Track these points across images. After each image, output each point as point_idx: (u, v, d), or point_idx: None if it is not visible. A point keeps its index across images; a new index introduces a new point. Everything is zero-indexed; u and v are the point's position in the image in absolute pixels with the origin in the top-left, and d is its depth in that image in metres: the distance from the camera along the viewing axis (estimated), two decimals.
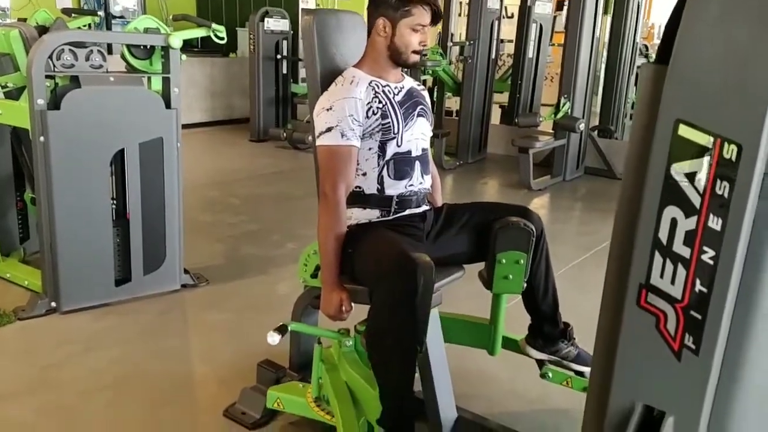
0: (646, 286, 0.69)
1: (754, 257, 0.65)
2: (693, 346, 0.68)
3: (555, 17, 7.07)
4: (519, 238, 1.84)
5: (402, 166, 1.88)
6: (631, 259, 0.69)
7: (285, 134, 6.59)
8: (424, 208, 1.96)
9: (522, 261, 1.84)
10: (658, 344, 0.70)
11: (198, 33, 3.04)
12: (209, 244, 3.81)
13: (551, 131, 5.67)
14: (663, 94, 0.65)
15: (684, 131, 0.64)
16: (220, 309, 2.99)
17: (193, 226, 3.78)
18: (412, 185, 1.90)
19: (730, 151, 0.62)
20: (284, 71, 7.17)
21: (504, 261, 1.84)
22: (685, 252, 0.66)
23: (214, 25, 3.05)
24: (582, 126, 5.29)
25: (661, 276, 0.68)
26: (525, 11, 6.57)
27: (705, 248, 0.65)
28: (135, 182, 2.86)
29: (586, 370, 1.95)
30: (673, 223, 0.66)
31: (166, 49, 2.85)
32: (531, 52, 6.62)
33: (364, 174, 1.86)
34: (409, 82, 1.95)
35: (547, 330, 1.98)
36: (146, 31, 2.87)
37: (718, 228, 0.64)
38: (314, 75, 1.93)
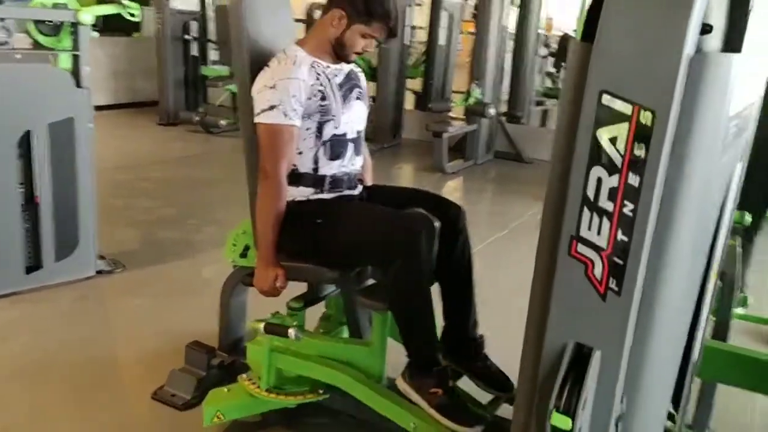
0: (576, 237, 0.79)
1: (666, 210, 0.75)
2: (616, 289, 0.78)
3: (463, 6, 7.28)
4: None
5: (337, 147, 1.91)
6: (564, 214, 0.79)
7: (198, 118, 6.43)
8: (359, 189, 2.01)
9: None
10: (586, 288, 0.79)
11: (109, 9, 2.94)
12: (123, 229, 3.70)
13: (462, 117, 5.87)
14: (589, 68, 0.75)
15: (607, 100, 0.74)
16: (140, 294, 2.92)
17: (105, 210, 3.63)
18: (344, 166, 1.94)
19: (645, 118, 0.72)
20: (194, 53, 6.96)
21: None
22: (609, 206, 0.76)
23: (125, 2, 2.95)
24: (492, 111, 5.51)
25: (589, 228, 0.78)
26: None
27: (626, 202, 0.75)
28: (43, 165, 2.73)
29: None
30: (599, 181, 0.76)
31: (75, 25, 2.74)
32: (442, 40, 6.80)
33: (300, 153, 1.88)
34: (347, 66, 1.97)
35: (459, 335, 1.98)
36: (55, 6, 2.74)
37: (636, 185, 0.74)
38: (242, 55, 1.92)
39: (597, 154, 0.75)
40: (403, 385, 1.78)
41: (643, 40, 0.72)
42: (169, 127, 6.79)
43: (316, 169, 1.90)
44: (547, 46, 8.64)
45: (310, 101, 1.83)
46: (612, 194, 0.76)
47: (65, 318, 2.65)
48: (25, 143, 2.69)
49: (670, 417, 1.06)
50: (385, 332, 1.91)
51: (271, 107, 1.79)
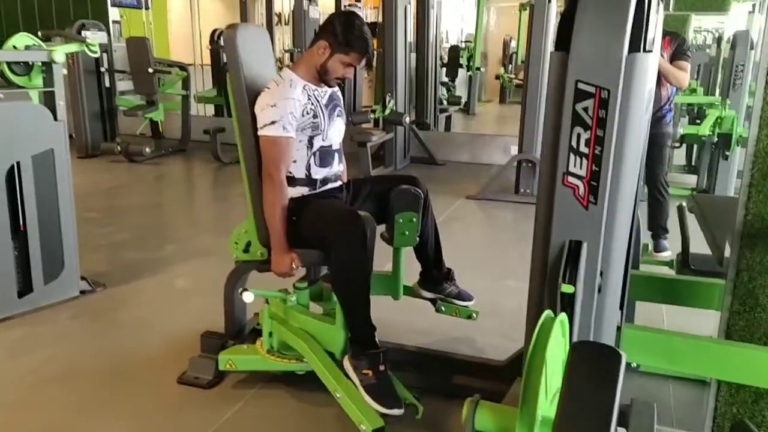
0: (566, 172, 1.27)
1: (618, 149, 1.25)
2: (593, 201, 1.27)
3: (373, 24, 7.84)
4: (412, 201, 2.36)
5: (326, 156, 2.34)
6: (557, 158, 1.27)
7: (119, 148, 6.52)
8: (340, 182, 2.44)
9: (415, 219, 2.37)
10: (575, 203, 1.28)
11: (74, 48, 3.18)
12: (87, 253, 3.85)
13: (376, 128, 6.38)
14: (567, 66, 1.23)
15: (581, 85, 1.22)
16: (129, 307, 3.17)
17: None
18: (331, 170, 2.37)
19: (604, 94, 1.21)
20: (107, 85, 7.03)
21: (401, 220, 2.36)
22: (586, 150, 1.25)
23: (87, 40, 3.20)
24: (408, 119, 6.07)
25: (574, 165, 1.26)
26: None
27: (596, 146, 1.24)
28: (30, 194, 2.93)
29: (469, 303, 2.54)
30: (579, 135, 1.24)
31: (47, 64, 2.97)
32: None
33: (294, 161, 2.29)
34: (330, 88, 2.38)
35: (435, 274, 2.51)
36: (27, 48, 2.95)
37: (601, 135, 1.23)
38: (239, 79, 2.28)
39: (576, 119, 1.24)
40: (345, 362, 2.16)
41: (599, 48, 1.21)
42: (90, 159, 6.82)
43: (308, 175, 2.32)
44: (442, 59, 9.39)
45: (303, 118, 2.24)
46: (587, 143, 1.25)
47: (67, 334, 2.86)
48: (10, 175, 2.89)
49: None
50: None
51: (272, 122, 2.18)
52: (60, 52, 2.96)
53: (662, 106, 3.79)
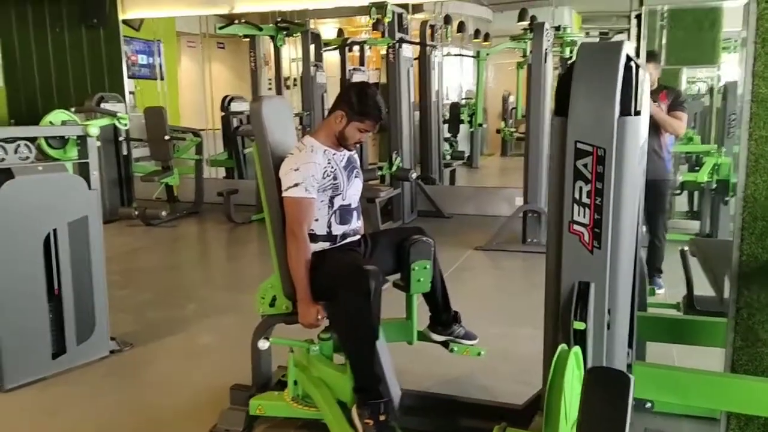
0: (572, 221, 1.44)
1: (616, 200, 1.42)
2: (597, 245, 1.43)
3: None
4: (425, 250, 2.54)
5: (345, 214, 2.52)
6: (562, 208, 1.44)
7: (137, 212, 6.73)
8: (359, 237, 2.61)
9: (428, 267, 2.53)
10: (581, 248, 1.44)
11: (106, 122, 3.41)
12: (113, 314, 3.97)
13: (383, 184, 6.60)
14: (567, 130, 1.41)
15: (580, 145, 1.40)
16: (157, 365, 3.29)
17: None
18: (350, 226, 2.55)
19: (601, 152, 1.39)
20: (124, 152, 7.31)
21: (416, 268, 2.52)
22: (588, 201, 1.42)
23: (119, 114, 3.44)
24: (414, 175, 6.29)
25: (578, 215, 1.43)
26: (345, 82, 7.54)
27: (596, 198, 1.41)
28: (66, 259, 3.10)
29: (475, 342, 2.65)
30: (581, 188, 1.42)
31: (82, 137, 3.19)
32: None
33: (316, 220, 2.47)
34: (348, 152, 2.58)
35: (444, 318, 2.64)
36: (63, 123, 3.19)
37: (600, 188, 1.40)
38: (265, 146, 2.49)
39: (578, 174, 1.42)
40: (353, 412, 2.29)
41: (594, 112, 1.40)
42: (108, 224, 7.01)
43: (329, 232, 2.49)
44: (443, 115, 9.70)
45: (324, 180, 2.43)
46: (588, 194, 1.42)
47: (101, 392, 2.98)
48: (46, 241, 3.07)
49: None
50: None
51: (296, 185, 2.37)
52: (95, 126, 3.19)
53: (661, 155, 4.01)
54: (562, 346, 1.28)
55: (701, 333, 2.37)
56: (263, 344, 2.37)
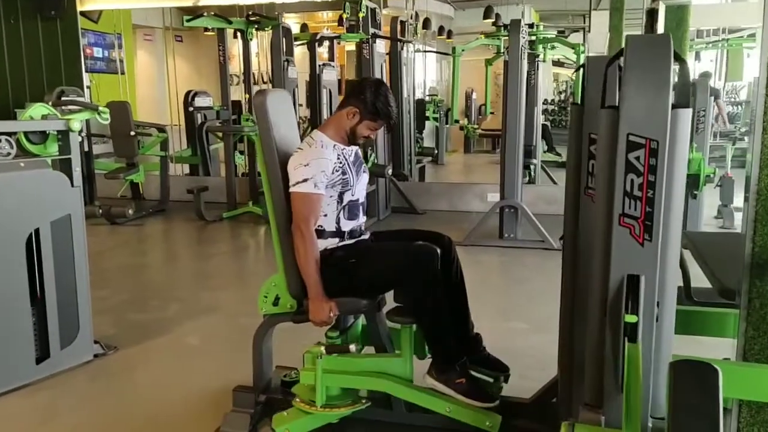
0: (622, 214, 1.43)
1: (668, 192, 1.42)
2: (648, 238, 1.43)
3: (340, 82, 8.09)
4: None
5: (354, 209, 2.47)
6: (613, 201, 1.43)
7: (101, 211, 6.49)
8: (367, 235, 2.56)
9: None
10: (632, 241, 1.43)
11: (86, 115, 3.25)
12: (92, 316, 3.84)
13: None
14: (619, 122, 1.41)
15: (632, 138, 1.39)
16: (145, 368, 3.17)
17: None
18: (357, 221, 2.50)
19: (654, 144, 1.38)
20: (86, 149, 7.03)
21: None
22: (639, 194, 1.41)
23: (100, 108, 3.29)
24: (390, 170, 6.26)
25: (629, 207, 1.42)
26: (315, 78, 7.45)
27: (648, 190, 1.41)
28: (49, 260, 2.95)
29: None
30: (632, 181, 1.41)
31: (64, 132, 3.04)
32: (324, 114, 7.50)
33: (325, 215, 2.41)
34: (354, 147, 2.53)
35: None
36: (44, 117, 3.02)
37: (653, 180, 1.40)
38: (270, 141, 2.41)
39: (630, 167, 1.41)
40: (431, 381, 2.31)
41: (647, 105, 1.39)
42: None
43: (338, 227, 2.44)
44: (408, 112, 9.73)
45: (333, 175, 2.38)
46: (640, 187, 1.42)
47: (89, 397, 2.85)
48: (30, 242, 2.91)
49: None
50: (411, 343, 2.43)
51: (305, 180, 2.31)
52: (77, 120, 3.04)
53: None
54: (630, 345, 1.27)
55: (701, 323, 2.41)
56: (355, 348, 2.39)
